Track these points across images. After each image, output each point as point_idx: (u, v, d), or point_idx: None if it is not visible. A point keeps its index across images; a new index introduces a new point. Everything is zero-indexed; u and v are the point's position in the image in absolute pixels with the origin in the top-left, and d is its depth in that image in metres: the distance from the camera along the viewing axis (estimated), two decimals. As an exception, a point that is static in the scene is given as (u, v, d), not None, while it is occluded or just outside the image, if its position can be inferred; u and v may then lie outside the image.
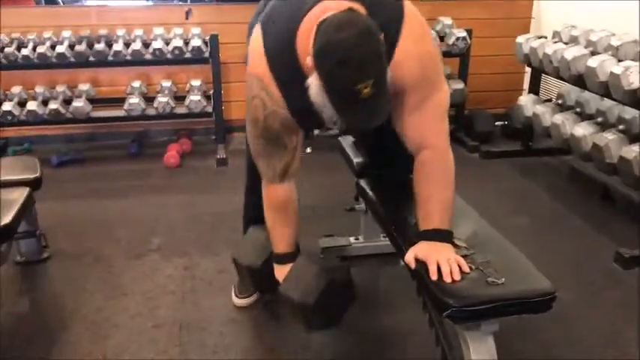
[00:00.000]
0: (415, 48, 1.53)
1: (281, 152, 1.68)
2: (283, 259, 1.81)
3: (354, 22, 1.33)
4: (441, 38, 3.83)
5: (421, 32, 1.57)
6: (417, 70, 1.54)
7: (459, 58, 3.87)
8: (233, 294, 2.24)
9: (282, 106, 1.58)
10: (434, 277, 1.44)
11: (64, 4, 5.94)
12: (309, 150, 2.98)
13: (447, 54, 3.75)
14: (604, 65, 2.73)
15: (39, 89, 3.66)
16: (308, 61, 1.38)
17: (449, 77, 3.85)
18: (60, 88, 3.67)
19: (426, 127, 1.60)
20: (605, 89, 2.73)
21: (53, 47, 3.52)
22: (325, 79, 1.33)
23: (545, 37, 3.50)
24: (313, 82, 1.38)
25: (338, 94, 1.33)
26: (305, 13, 1.46)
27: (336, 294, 1.74)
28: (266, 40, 1.56)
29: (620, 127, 2.85)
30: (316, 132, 1.79)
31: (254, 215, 2.25)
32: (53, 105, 3.49)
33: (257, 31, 1.59)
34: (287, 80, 1.54)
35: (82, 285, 2.34)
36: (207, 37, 3.67)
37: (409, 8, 1.55)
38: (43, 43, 3.52)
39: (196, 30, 3.76)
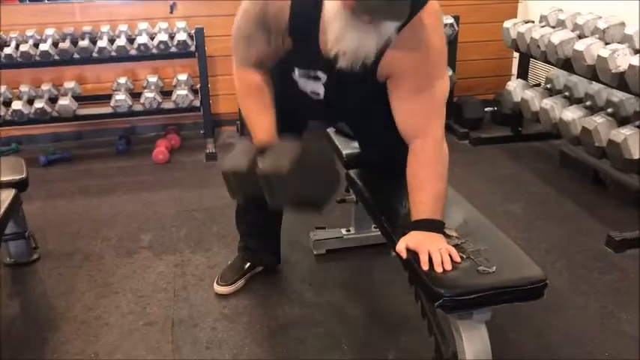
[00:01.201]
0: (427, 36, 1.52)
1: (263, 45, 1.63)
2: (265, 149, 1.66)
3: None
4: (429, 25, 3.81)
5: (436, 25, 1.57)
6: (424, 57, 1.54)
7: (447, 44, 3.84)
8: (215, 282, 2.25)
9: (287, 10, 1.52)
10: (425, 266, 1.44)
11: (48, 0, 5.89)
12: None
13: (434, 41, 3.72)
14: (591, 49, 2.72)
15: (24, 88, 3.61)
16: None
17: (437, 65, 3.84)
18: (45, 87, 3.63)
19: (423, 116, 1.60)
20: (593, 72, 2.72)
21: (37, 45, 3.47)
22: None
23: (533, 22, 3.49)
24: None
25: None
26: None
27: (314, 162, 1.61)
28: None
29: (609, 110, 2.85)
30: (298, 74, 1.67)
31: (248, 221, 2.25)
32: (39, 104, 3.44)
33: None
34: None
35: (72, 285, 2.32)
36: (193, 31, 3.63)
37: (433, 2, 1.53)
38: (26, 42, 3.48)
39: (181, 24, 3.72)
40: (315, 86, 1.70)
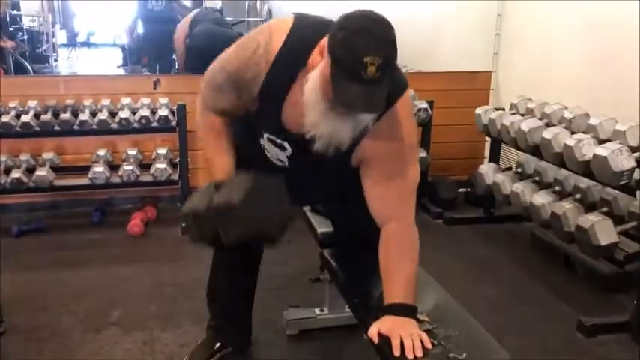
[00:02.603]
0: (400, 126, 1.59)
1: (231, 99, 1.69)
2: (221, 185, 1.69)
3: (380, 15, 1.38)
4: (404, 109, 3.95)
5: (409, 115, 1.66)
6: (395, 146, 1.60)
7: (422, 127, 3.98)
8: None
9: (264, 70, 1.58)
10: (397, 352, 1.45)
11: (34, 72, 6.00)
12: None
13: (409, 124, 3.85)
14: (558, 137, 2.84)
15: (1, 158, 3.61)
16: (316, 51, 1.45)
17: (412, 146, 3.95)
18: (23, 157, 3.63)
19: (395, 200, 1.65)
20: (561, 160, 2.84)
21: (18, 116, 3.51)
22: (337, 47, 1.34)
23: (503, 109, 3.64)
24: (314, 75, 1.44)
25: (344, 65, 1.33)
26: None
27: (265, 195, 1.63)
28: (293, 29, 1.58)
29: (577, 196, 2.95)
30: (265, 137, 1.74)
31: (218, 297, 2.24)
32: (15, 174, 3.44)
33: (292, 17, 1.62)
34: (284, 67, 1.56)
35: (36, 361, 2.26)
36: (175, 107, 3.71)
37: (407, 94, 1.63)
38: (9, 113, 3.51)
39: (164, 100, 3.81)
40: (280, 155, 1.75)
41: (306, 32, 1.57)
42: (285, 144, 1.70)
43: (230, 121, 1.79)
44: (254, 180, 1.63)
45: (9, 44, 5.76)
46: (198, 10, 5.37)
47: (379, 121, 1.53)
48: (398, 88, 1.57)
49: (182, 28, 4.82)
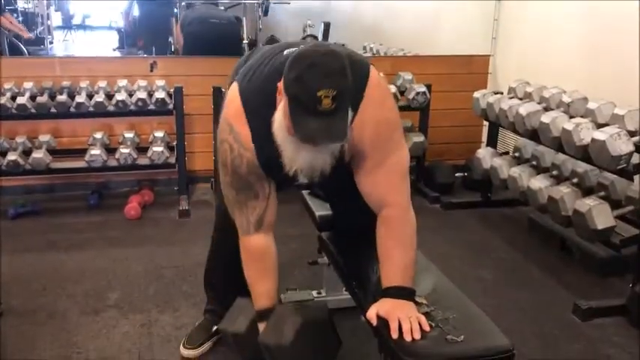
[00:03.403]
0: (375, 113, 1.59)
1: (253, 201, 1.68)
2: (266, 314, 1.73)
3: (327, 46, 1.43)
4: (402, 93, 3.94)
5: (382, 97, 1.64)
6: (375, 134, 1.60)
7: (419, 111, 3.97)
8: (181, 344, 2.20)
9: (250, 150, 1.60)
10: (395, 335, 1.45)
11: (29, 54, 5.94)
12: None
13: (407, 108, 3.84)
14: (556, 121, 2.84)
15: (-3, 140, 3.60)
16: (278, 91, 1.46)
17: (409, 130, 3.95)
18: (19, 139, 3.61)
19: (386, 186, 1.64)
20: (559, 144, 2.83)
21: (14, 98, 3.48)
22: (291, 85, 1.37)
23: (501, 93, 3.63)
24: (278, 115, 1.46)
25: (299, 100, 1.36)
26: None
27: (315, 334, 1.66)
28: (243, 89, 1.61)
29: (574, 180, 2.95)
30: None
31: (216, 282, 2.25)
32: (12, 156, 3.42)
33: (235, 83, 1.65)
34: (261, 130, 1.56)
35: (33, 343, 2.26)
36: (172, 89, 3.69)
37: (373, 73, 1.62)
38: (4, 94, 3.48)
39: (161, 82, 3.79)
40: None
41: (253, 84, 1.61)
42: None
43: (271, 233, 1.76)
44: (303, 316, 1.64)
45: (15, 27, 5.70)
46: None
47: (357, 114, 1.54)
48: (361, 74, 1.57)
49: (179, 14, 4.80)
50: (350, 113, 1.46)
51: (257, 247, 1.73)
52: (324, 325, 1.72)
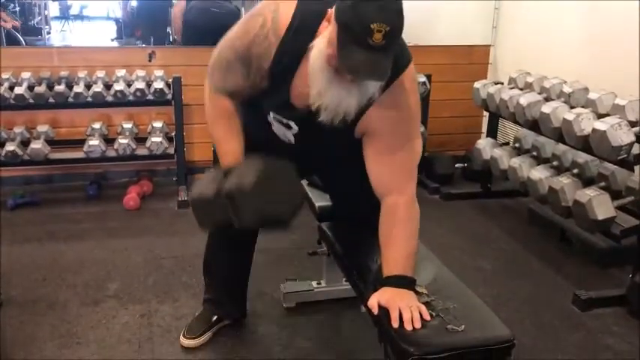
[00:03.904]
0: (402, 97, 1.58)
1: (240, 79, 1.65)
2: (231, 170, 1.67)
3: None
4: (402, 83, 3.91)
5: (412, 88, 1.63)
6: (397, 118, 1.59)
7: (420, 102, 3.94)
8: (181, 334, 2.21)
9: (277, 41, 1.55)
10: (395, 324, 1.45)
11: (26, 44, 5.92)
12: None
13: (407, 98, 3.82)
14: (557, 112, 2.82)
15: (-5, 130, 3.58)
16: (326, 19, 1.42)
17: (410, 121, 3.92)
18: (18, 130, 3.59)
19: (397, 174, 1.64)
20: (559, 134, 2.82)
21: (12, 88, 3.46)
22: (345, 12, 1.33)
23: (502, 83, 3.62)
24: (319, 42, 1.42)
25: (351, 29, 1.31)
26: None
27: (277, 178, 1.61)
28: (301, 2, 1.55)
29: (575, 170, 2.94)
30: (272, 116, 1.73)
31: (215, 270, 2.24)
32: (10, 147, 3.41)
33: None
34: (297, 40, 1.52)
35: (33, 334, 2.25)
36: (170, 80, 3.67)
37: (412, 66, 1.61)
38: (2, 84, 3.46)
39: (159, 72, 3.77)
40: (287, 133, 1.73)
41: (314, 5, 1.54)
42: (292, 122, 1.68)
43: (238, 102, 1.75)
44: (265, 163, 1.61)
45: (9, 24, 5.67)
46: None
47: (385, 92, 1.52)
48: (403, 60, 1.56)
49: (179, 2, 4.75)
50: (379, 91, 1.45)
51: (226, 108, 1.73)
52: (285, 171, 1.66)
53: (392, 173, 1.63)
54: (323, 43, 1.42)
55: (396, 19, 1.33)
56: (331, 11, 1.41)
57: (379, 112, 1.56)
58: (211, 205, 1.65)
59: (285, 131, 1.73)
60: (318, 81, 1.43)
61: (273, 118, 1.72)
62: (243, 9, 4.63)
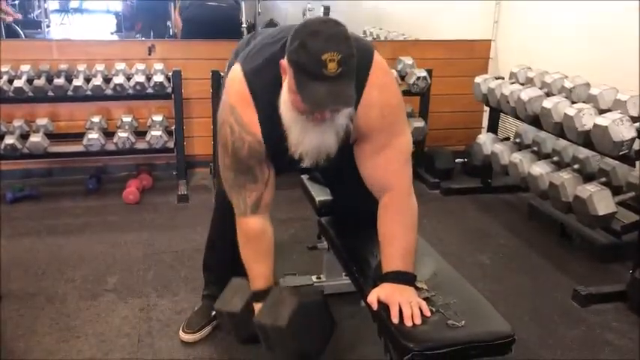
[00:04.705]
0: (379, 96, 1.58)
1: (252, 185, 1.67)
2: (261, 295, 1.72)
3: (328, 17, 1.43)
4: (402, 77, 3.90)
5: (386, 81, 1.62)
6: (379, 118, 1.59)
7: (420, 96, 3.94)
8: (181, 329, 2.20)
9: (252, 133, 1.58)
10: (395, 319, 1.45)
11: (25, 37, 5.90)
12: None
13: (407, 93, 3.81)
14: (558, 107, 2.81)
15: (-5, 123, 3.57)
16: (282, 71, 1.45)
17: (409, 115, 3.92)
18: (17, 123, 3.58)
19: (388, 170, 1.63)
20: (560, 130, 2.81)
21: (11, 81, 3.45)
22: (295, 53, 1.36)
23: (503, 78, 3.60)
24: (283, 93, 1.45)
25: (304, 67, 1.34)
26: None
27: (311, 315, 1.67)
28: (248, 71, 1.58)
29: (575, 166, 2.94)
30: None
31: (215, 266, 2.24)
32: (9, 140, 3.40)
33: (238, 64, 1.62)
34: (267, 112, 1.54)
35: (33, 327, 2.25)
36: (170, 73, 3.66)
37: (377, 57, 1.60)
38: (1, 77, 3.45)
39: (159, 65, 3.75)
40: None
41: (262, 72, 1.57)
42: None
43: (267, 215, 1.75)
44: (299, 298, 1.64)
45: (11, 17, 5.65)
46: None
47: (362, 98, 1.54)
48: (365, 57, 1.55)
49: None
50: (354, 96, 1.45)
51: (253, 229, 1.73)
52: (319, 307, 1.72)
53: (383, 172, 1.64)
54: (285, 92, 1.45)
55: (345, 44, 1.35)
56: (283, 61, 1.43)
57: (363, 119, 1.57)
58: (238, 320, 1.75)
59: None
60: (292, 132, 1.47)
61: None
62: (243, 2, 4.60)
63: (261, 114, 1.57)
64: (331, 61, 1.31)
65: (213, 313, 2.24)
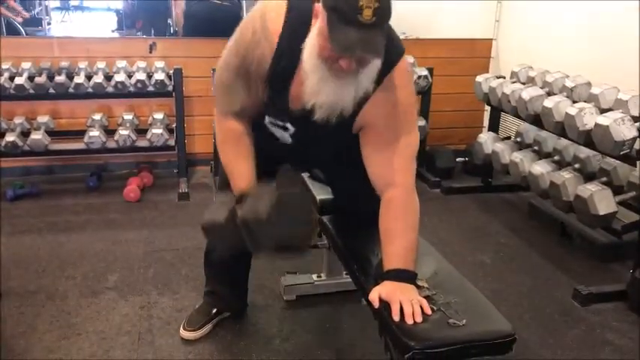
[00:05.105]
0: (396, 91, 1.58)
1: (244, 95, 1.65)
2: (244, 196, 1.65)
3: None
4: (404, 76, 3.90)
5: (406, 80, 1.63)
6: (392, 112, 1.59)
7: (421, 95, 3.94)
8: (181, 327, 2.21)
9: (270, 41, 1.54)
10: (396, 317, 1.44)
11: (26, 34, 5.89)
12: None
13: (409, 91, 3.80)
14: (559, 106, 2.81)
15: (-4, 120, 3.57)
16: (314, 15, 1.42)
17: (411, 114, 3.91)
18: (18, 120, 3.58)
19: (393, 167, 1.63)
20: (561, 129, 2.81)
21: (12, 79, 3.45)
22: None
23: (504, 77, 3.60)
24: (311, 37, 1.42)
25: (339, 9, 1.32)
26: None
27: (292, 207, 1.61)
28: (290, 8, 1.54)
29: (576, 165, 2.94)
30: (267, 120, 1.74)
31: (216, 266, 2.24)
32: (10, 137, 3.40)
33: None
34: (291, 41, 1.51)
35: (33, 324, 2.25)
36: (171, 71, 3.66)
37: (404, 60, 1.61)
38: (2, 74, 3.45)
39: (160, 63, 3.75)
40: (283, 135, 1.73)
41: (303, 6, 1.52)
42: (288, 125, 1.68)
43: (248, 122, 1.74)
44: (279, 191, 1.61)
45: (19, 17, 5.64)
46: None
47: (379, 87, 1.52)
48: (396, 53, 1.55)
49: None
50: (372, 85, 1.45)
51: (233, 129, 1.72)
52: (300, 199, 1.68)
53: (389, 167, 1.63)
54: (313, 37, 1.42)
55: (384, 1, 1.33)
56: (318, 5, 1.41)
57: (374, 108, 1.57)
58: (224, 231, 1.67)
59: (282, 133, 1.73)
60: (312, 79, 1.44)
61: (269, 122, 1.72)
62: (244, 2, 4.60)
63: (286, 34, 1.52)
64: (367, 8, 1.29)
65: (214, 310, 2.25)
